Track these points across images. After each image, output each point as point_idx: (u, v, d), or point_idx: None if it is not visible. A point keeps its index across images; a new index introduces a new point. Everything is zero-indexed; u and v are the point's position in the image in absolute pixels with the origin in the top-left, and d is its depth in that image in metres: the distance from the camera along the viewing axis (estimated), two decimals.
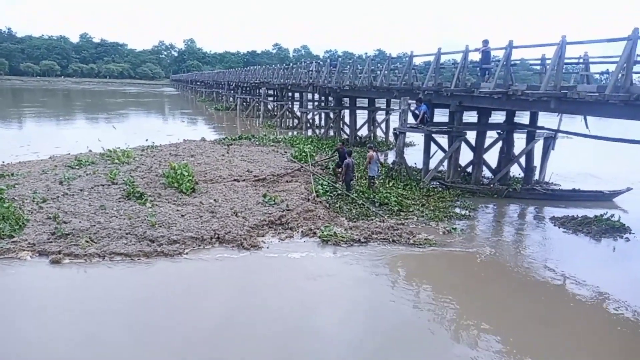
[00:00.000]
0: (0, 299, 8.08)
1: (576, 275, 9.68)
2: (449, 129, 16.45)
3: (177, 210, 12.18)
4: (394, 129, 18.15)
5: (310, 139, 25.58)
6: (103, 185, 14.11)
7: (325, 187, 14.82)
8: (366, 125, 27.74)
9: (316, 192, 14.18)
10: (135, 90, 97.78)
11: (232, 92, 51.93)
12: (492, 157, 17.54)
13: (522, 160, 17.02)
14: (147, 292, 8.52)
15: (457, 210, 13.72)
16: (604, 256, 11.25)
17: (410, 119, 17.23)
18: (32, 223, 10.87)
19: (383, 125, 27.91)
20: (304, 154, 19.16)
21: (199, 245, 10.29)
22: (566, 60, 12.68)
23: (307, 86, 29.84)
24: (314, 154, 19.90)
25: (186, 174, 14.31)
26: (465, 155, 17.23)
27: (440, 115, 19.96)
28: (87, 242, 9.98)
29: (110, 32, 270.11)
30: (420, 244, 10.82)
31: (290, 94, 36.97)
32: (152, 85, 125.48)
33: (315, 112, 32.90)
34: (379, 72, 22.06)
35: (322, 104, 31.24)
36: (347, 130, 27.76)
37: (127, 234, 10.47)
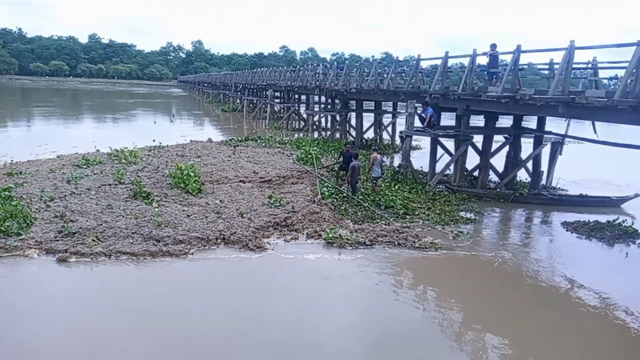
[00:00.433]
0: (8, 296, 8.14)
1: (592, 281, 9.61)
2: (456, 132, 16.40)
3: (183, 210, 12.23)
4: (401, 132, 18.13)
5: (317, 141, 25.61)
6: (110, 185, 14.20)
7: (331, 189, 14.83)
8: (372, 128, 27.72)
9: (322, 194, 14.18)
10: (144, 91, 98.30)
11: (239, 93, 52.10)
12: (499, 161, 17.46)
13: (529, 165, 16.92)
14: (152, 291, 8.55)
15: (463, 214, 13.67)
16: (619, 261, 11.25)
17: (417, 123, 17.21)
18: (40, 221, 10.95)
19: (389, 129, 27.88)
20: (310, 156, 19.18)
21: (205, 246, 10.32)
22: (574, 65, 12.62)
23: (313, 88, 29.88)
24: (320, 156, 19.91)
25: (192, 174, 14.37)
26: (472, 159, 17.16)
27: (447, 119, 19.93)
28: (93, 241, 10.04)
29: (119, 33, 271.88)
30: (426, 248, 10.79)
31: (296, 96, 37.01)
32: (160, 86, 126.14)
33: (322, 115, 32.94)
34: (385, 75, 22.04)
35: (329, 107, 31.22)
36: (354, 133, 27.74)
37: (133, 233, 10.52)
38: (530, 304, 8.72)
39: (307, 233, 11.37)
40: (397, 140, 25.55)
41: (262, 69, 53.34)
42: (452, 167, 16.79)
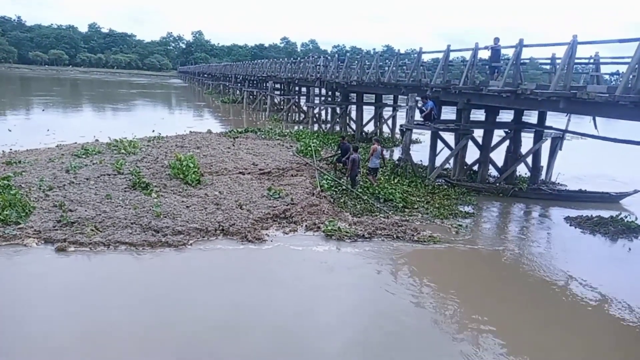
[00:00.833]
0: (7, 285, 8.16)
1: (596, 275, 9.67)
2: (456, 126, 16.37)
3: (182, 201, 12.22)
4: (401, 126, 18.09)
5: (316, 134, 25.55)
6: (109, 175, 14.17)
7: (330, 182, 14.82)
8: (373, 122, 27.66)
9: (321, 186, 14.18)
10: (144, 81, 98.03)
11: (239, 85, 51.90)
12: (498, 155, 17.45)
13: (529, 159, 16.92)
14: (151, 281, 8.57)
15: (462, 208, 13.68)
16: (623, 255, 11.38)
17: (418, 116, 17.16)
18: (39, 210, 10.94)
19: (390, 122, 27.82)
20: (309, 148, 19.15)
21: (203, 237, 10.32)
22: (576, 60, 12.56)
23: (314, 81, 29.76)
24: (319, 149, 19.89)
25: (192, 165, 14.34)
26: (472, 154, 17.15)
27: (448, 113, 19.88)
28: (92, 230, 10.04)
29: (118, 22, 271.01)
30: (425, 241, 10.80)
31: (297, 88, 36.89)
32: (160, 77, 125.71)
33: (322, 107, 32.83)
34: (387, 68, 21.95)
35: (329, 99, 31.14)
36: (354, 126, 27.69)
37: (132, 223, 10.52)
38: (535, 298, 8.74)
39: (306, 225, 11.38)
40: (397, 134, 25.52)
41: (263, 60, 53.09)
42: (451, 161, 16.78)
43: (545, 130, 16.70)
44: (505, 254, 10.66)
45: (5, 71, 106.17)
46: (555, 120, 18.06)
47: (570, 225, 13.00)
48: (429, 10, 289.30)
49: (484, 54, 16.03)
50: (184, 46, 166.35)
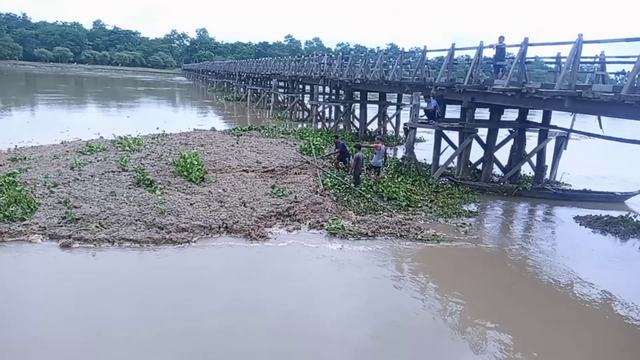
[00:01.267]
0: (12, 280, 8.21)
1: (609, 275, 9.70)
2: (461, 125, 16.32)
3: (186, 198, 12.25)
4: (405, 124, 18.07)
5: (320, 132, 25.55)
6: (113, 172, 14.22)
7: (333, 180, 14.83)
8: (376, 120, 27.63)
9: (324, 185, 14.19)
10: (149, 79, 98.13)
11: (243, 82, 52.00)
12: (503, 155, 17.40)
13: (534, 159, 16.86)
14: (155, 278, 8.60)
15: (466, 207, 13.65)
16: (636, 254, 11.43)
17: (422, 115, 17.14)
18: (43, 207, 10.99)
19: (393, 120, 27.78)
20: (312, 146, 19.16)
21: (207, 234, 10.35)
22: (582, 59, 12.50)
23: (318, 79, 29.76)
24: (323, 147, 19.88)
25: (196, 163, 14.38)
26: (476, 153, 17.10)
27: (452, 112, 19.82)
28: (96, 227, 10.08)
29: (123, 19, 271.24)
30: (428, 240, 10.80)
31: (301, 86, 36.89)
32: (164, 74, 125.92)
33: (326, 105, 32.83)
34: (391, 67, 21.93)
35: (333, 97, 31.14)
36: (357, 124, 27.67)
37: (136, 220, 10.56)
38: (543, 297, 8.73)
39: (309, 223, 11.39)
40: (401, 132, 25.48)
41: (267, 58, 53.16)
42: (455, 160, 16.74)
43: (550, 130, 16.63)
44: (511, 253, 10.64)
45: (10, 68, 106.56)
46: (560, 119, 17.99)
47: (580, 224, 12.99)
48: (434, 9, 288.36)
49: (489, 53, 16.01)
50: (188, 44, 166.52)
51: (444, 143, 17.22)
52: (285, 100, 41.88)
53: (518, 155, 16.80)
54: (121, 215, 10.71)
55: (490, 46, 15.33)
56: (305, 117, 35.90)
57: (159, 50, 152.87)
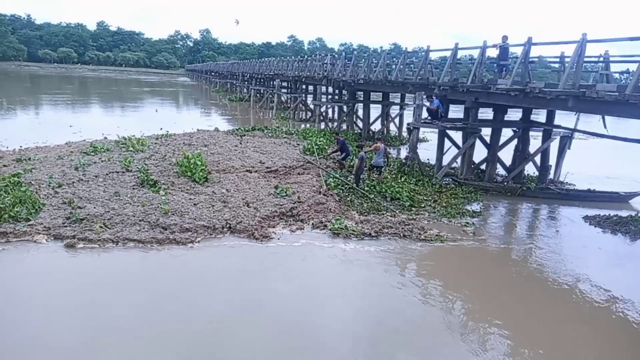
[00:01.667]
0: (17, 280, 8.26)
1: (618, 275, 9.67)
2: (464, 125, 16.29)
3: (190, 199, 12.29)
4: (408, 124, 18.04)
5: (323, 132, 25.54)
6: (117, 172, 14.28)
7: (336, 180, 14.84)
8: (380, 120, 27.60)
9: (327, 185, 14.19)
10: (154, 80, 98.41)
11: (246, 83, 52.03)
12: (506, 154, 17.36)
13: (537, 158, 16.81)
14: (159, 278, 8.62)
15: (470, 206, 13.62)
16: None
17: (425, 115, 17.11)
18: (48, 207, 11.05)
19: (397, 120, 27.74)
20: (315, 147, 19.17)
21: (211, 234, 10.37)
22: (586, 59, 12.45)
23: (321, 79, 29.74)
24: (326, 147, 19.90)
25: (199, 163, 14.42)
26: (480, 152, 17.07)
27: (456, 112, 19.79)
28: (101, 227, 10.13)
29: (127, 20, 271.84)
30: (432, 240, 10.78)
31: (304, 86, 36.89)
32: (168, 75, 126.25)
33: (329, 105, 32.82)
34: (394, 67, 21.89)
35: (336, 97, 31.13)
36: (361, 124, 27.65)
37: (140, 220, 10.60)
38: (550, 296, 8.71)
39: (312, 223, 11.39)
40: (405, 132, 25.45)
41: (270, 58, 53.18)
42: (459, 159, 16.71)
43: (554, 129, 16.58)
44: (516, 252, 10.62)
45: (15, 69, 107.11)
46: (564, 119, 17.92)
47: (590, 224, 12.95)
48: (434, 9, 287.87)
49: (492, 52, 15.96)
50: (191, 44, 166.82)
51: (447, 143, 17.19)
52: (288, 100, 41.91)
53: (522, 155, 16.75)
54: (125, 216, 10.75)
55: (494, 46, 15.29)
56: (308, 117, 35.91)
57: (162, 51, 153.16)
